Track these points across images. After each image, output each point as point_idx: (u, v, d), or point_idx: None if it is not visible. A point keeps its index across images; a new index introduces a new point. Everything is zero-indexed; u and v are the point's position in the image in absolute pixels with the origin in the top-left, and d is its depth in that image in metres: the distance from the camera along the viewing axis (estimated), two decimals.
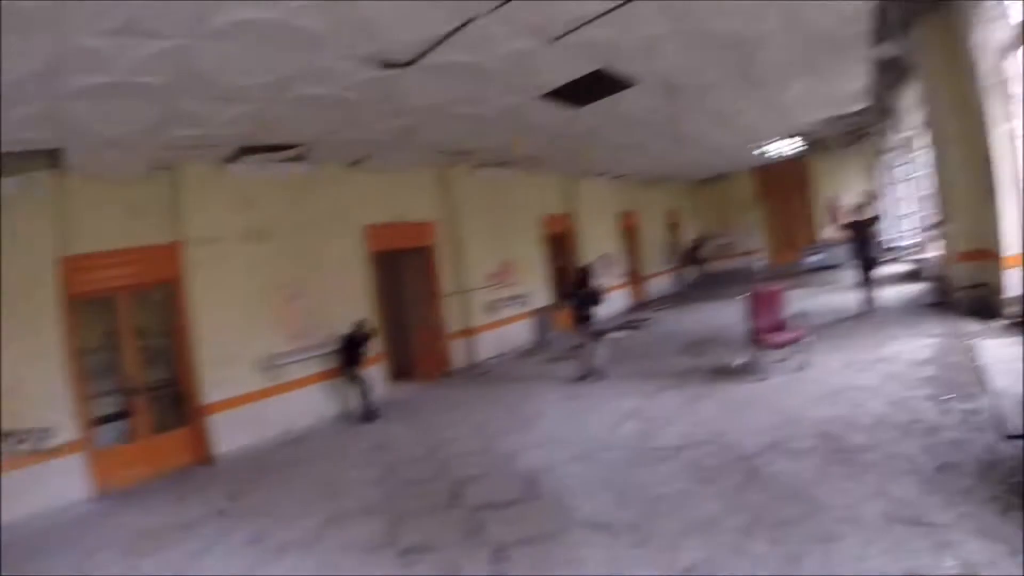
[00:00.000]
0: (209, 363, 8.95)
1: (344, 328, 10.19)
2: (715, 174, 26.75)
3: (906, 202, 19.14)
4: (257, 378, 9.46)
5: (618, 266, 20.18)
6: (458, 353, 13.38)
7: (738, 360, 9.36)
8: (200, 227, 9.09)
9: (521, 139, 11.81)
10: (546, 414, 8.74)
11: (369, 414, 9.97)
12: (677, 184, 27.14)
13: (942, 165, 9.86)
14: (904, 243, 19.22)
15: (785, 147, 21.28)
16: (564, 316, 17.20)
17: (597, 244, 18.99)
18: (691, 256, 26.16)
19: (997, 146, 8.29)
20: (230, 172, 9.47)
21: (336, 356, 10.24)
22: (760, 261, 26.69)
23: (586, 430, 7.65)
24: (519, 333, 14.79)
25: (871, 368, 7.91)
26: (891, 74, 12.59)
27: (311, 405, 10.09)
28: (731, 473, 5.49)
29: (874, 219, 14.15)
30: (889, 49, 10.74)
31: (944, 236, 10.46)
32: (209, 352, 8.96)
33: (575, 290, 10.96)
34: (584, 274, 11.08)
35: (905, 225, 19.50)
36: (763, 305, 9.12)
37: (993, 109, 8.23)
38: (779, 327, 8.93)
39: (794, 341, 8.53)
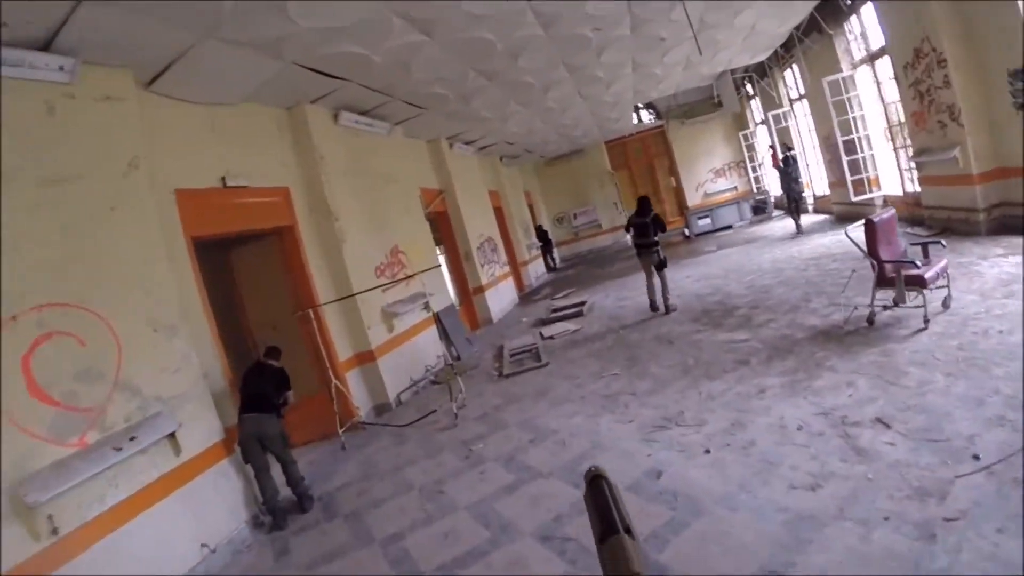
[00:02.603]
0: None
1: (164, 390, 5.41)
2: (567, 151, 24.77)
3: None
4: None
5: (498, 251, 16.69)
6: (357, 388, 8.94)
7: (847, 313, 7.24)
8: None
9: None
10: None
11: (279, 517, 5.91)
12: (528, 162, 24.63)
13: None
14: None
15: (640, 118, 22.04)
16: (470, 312, 13.69)
17: (476, 225, 15.42)
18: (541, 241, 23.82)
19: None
20: None
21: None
22: (625, 236, 24.45)
23: None
24: (428, 347, 10.66)
25: None
26: None
27: None
28: None
29: (794, 157, 15.83)
30: None
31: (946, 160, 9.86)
32: None
33: (636, 217, 10.37)
34: (646, 201, 10.55)
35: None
36: (883, 237, 6.66)
37: None
38: (904, 260, 6.51)
39: (943, 274, 6.39)
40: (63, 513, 4.35)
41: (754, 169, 23.03)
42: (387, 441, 7.74)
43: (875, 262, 6.53)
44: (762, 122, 20.83)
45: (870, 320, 6.68)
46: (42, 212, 4.87)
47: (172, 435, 5.30)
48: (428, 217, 12.76)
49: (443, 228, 14.38)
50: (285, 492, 6.15)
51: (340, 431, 7.94)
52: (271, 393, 6.26)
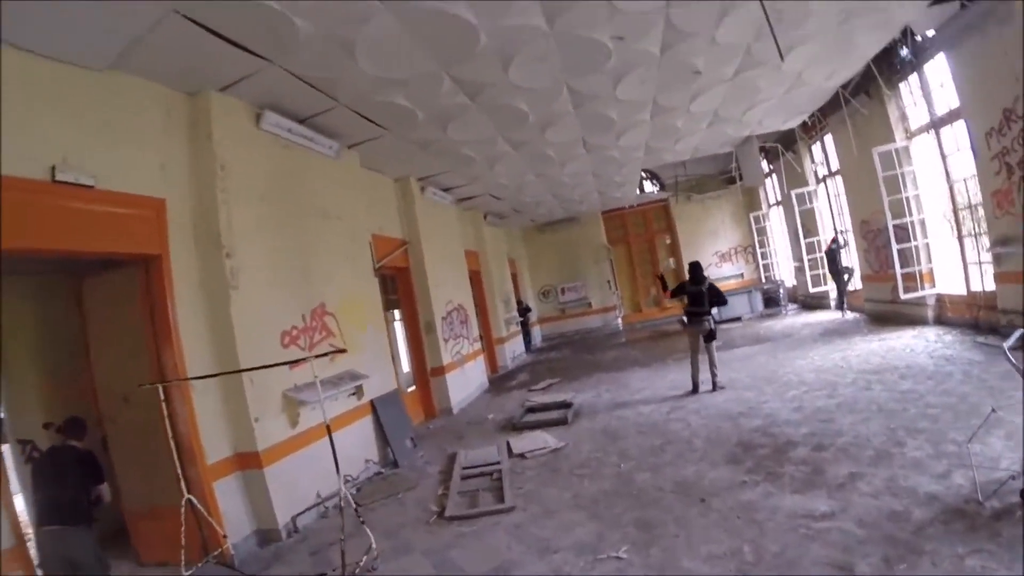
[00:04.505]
0: None
1: None
2: (560, 217, 22.44)
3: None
4: None
5: (469, 324, 13.92)
6: (230, 505, 6.05)
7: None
8: None
9: None
10: None
11: None
12: (515, 225, 22.22)
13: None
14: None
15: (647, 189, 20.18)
16: (425, 398, 10.72)
17: (445, 290, 12.68)
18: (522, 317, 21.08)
19: None
20: None
21: None
22: (618, 319, 22.61)
23: None
24: (356, 446, 7.72)
25: None
26: None
27: None
28: None
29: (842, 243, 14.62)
30: None
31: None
32: None
33: (691, 285, 9.81)
34: (699, 268, 9.96)
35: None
36: None
37: None
38: None
39: None
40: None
41: (764, 255, 20.93)
42: None
43: None
44: (778, 203, 19.02)
45: None
46: None
47: None
48: (381, 273, 9.83)
49: (402, 289, 11.57)
50: None
51: (184, 572, 5.17)
52: (77, 493, 4.46)
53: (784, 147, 16.38)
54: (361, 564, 5.10)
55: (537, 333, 21.67)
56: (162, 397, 5.43)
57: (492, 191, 14.94)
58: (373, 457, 8.23)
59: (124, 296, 6.09)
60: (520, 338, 20.00)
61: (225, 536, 5.73)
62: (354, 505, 5.33)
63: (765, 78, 9.92)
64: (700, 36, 7.60)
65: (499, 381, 15.15)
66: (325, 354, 5.98)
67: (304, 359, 5.49)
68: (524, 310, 20.72)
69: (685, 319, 9.83)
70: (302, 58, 6.13)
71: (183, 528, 5.22)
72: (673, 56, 8.03)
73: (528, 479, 6.90)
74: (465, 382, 12.75)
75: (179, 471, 5.45)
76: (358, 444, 7.87)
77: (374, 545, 5.32)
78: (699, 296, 9.64)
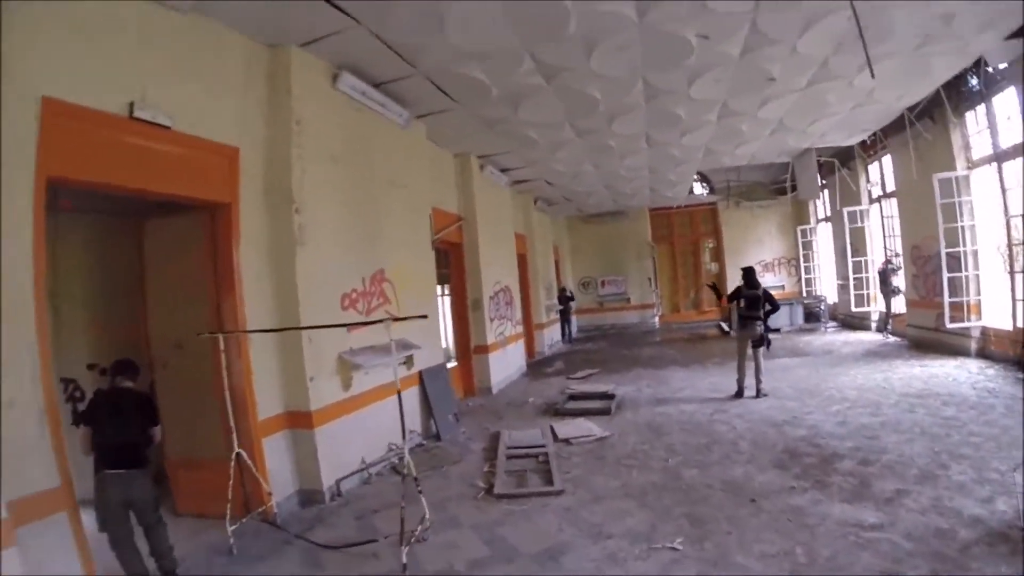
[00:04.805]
0: None
1: None
2: (607, 210, 22.19)
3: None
4: None
5: (514, 307, 13.98)
6: (277, 463, 6.08)
7: None
8: None
9: None
10: None
11: None
12: (562, 214, 22.08)
13: None
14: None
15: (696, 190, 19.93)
16: (466, 376, 10.67)
17: (495, 270, 12.65)
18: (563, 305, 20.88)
19: None
20: None
21: None
22: (656, 317, 22.54)
23: None
24: (394, 418, 7.64)
25: None
26: None
27: None
28: None
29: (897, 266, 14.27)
30: None
31: None
32: None
33: (747, 289, 9.76)
34: (753, 272, 9.99)
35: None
36: None
37: None
38: None
39: None
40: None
41: (808, 270, 20.67)
42: (294, 562, 5.05)
43: None
44: (827, 219, 18.71)
45: None
46: None
47: None
48: (435, 246, 9.76)
49: (453, 265, 11.56)
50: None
51: (230, 527, 5.18)
52: (139, 436, 4.46)
53: (841, 163, 16.09)
54: (415, 533, 5.03)
55: (574, 323, 21.49)
56: (221, 347, 5.44)
57: (548, 176, 14.89)
58: (417, 428, 8.21)
59: (187, 242, 6.09)
60: (558, 326, 19.94)
61: (270, 494, 5.75)
62: (414, 474, 5.20)
63: (836, 92, 9.83)
64: (782, 43, 7.54)
65: (536, 366, 15.16)
66: (405, 318, 5.85)
67: (374, 321, 5.44)
68: (566, 298, 20.61)
69: (725, 324, 10.10)
70: (390, 21, 6.13)
71: (231, 482, 5.23)
72: (751, 60, 7.97)
73: (574, 465, 6.90)
74: (506, 363, 12.78)
75: (231, 424, 5.46)
76: (408, 409, 7.84)
77: (428, 515, 5.27)
78: (755, 300, 9.60)
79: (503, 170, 13.30)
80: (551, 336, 18.57)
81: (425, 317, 6.60)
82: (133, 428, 4.42)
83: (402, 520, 4.83)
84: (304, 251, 6.27)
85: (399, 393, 5.32)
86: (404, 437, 5.36)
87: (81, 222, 6.78)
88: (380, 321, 5.57)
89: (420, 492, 5.29)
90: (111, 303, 7.11)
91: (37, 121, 4.01)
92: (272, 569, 4.88)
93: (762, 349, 9.56)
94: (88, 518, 4.19)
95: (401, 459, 6.47)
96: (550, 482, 6.30)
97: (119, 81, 4.71)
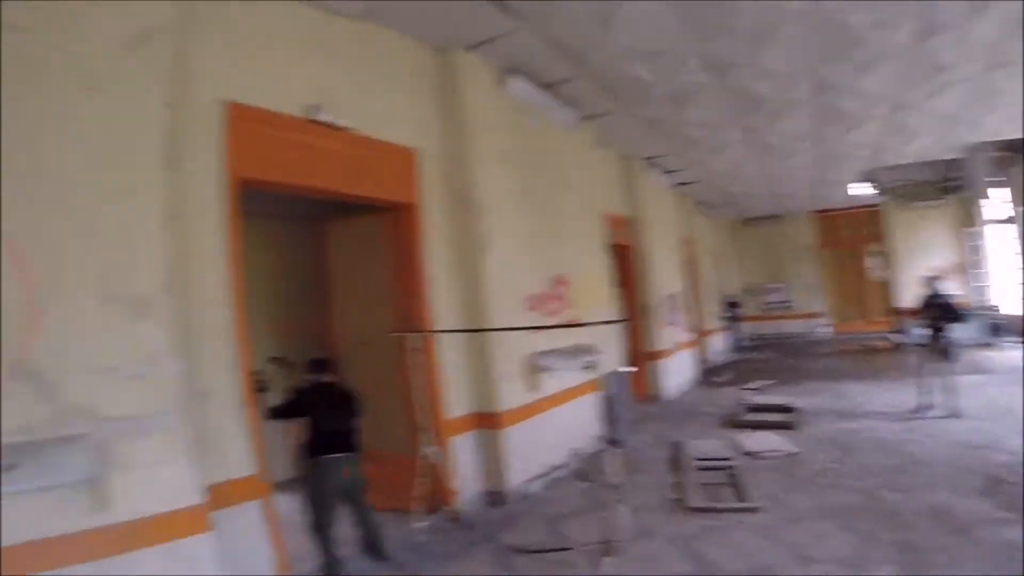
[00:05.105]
0: None
1: None
2: (766, 213, 21.19)
3: None
4: None
5: (683, 313, 13.53)
6: (464, 463, 6.08)
7: None
8: None
9: None
10: None
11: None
12: (721, 219, 21.35)
13: None
14: None
15: (860, 191, 17.71)
16: (638, 383, 10.45)
17: (663, 274, 12.23)
18: (730, 313, 20.03)
19: None
20: None
21: None
22: (823, 327, 21.27)
23: None
24: (579, 423, 7.53)
25: None
26: None
27: None
28: None
29: None
30: None
31: None
32: None
33: (930, 299, 9.13)
34: (938, 282, 9.40)
35: None
36: None
37: None
38: None
39: None
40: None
41: (980, 277, 18.51)
42: (484, 563, 4.96)
43: None
44: (1009, 220, 16.29)
45: None
46: None
47: None
48: (614, 249, 9.64)
49: (623, 268, 11.21)
50: None
51: (418, 524, 5.38)
52: (351, 424, 4.72)
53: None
54: (611, 543, 4.84)
55: (742, 330, 20.60)
56: (413, 346, 5.50)
57: (709, 178, 14.34)
58: (596, 433, 8.04)
59: (370, 242, 6.24)
60: (724, 334, 19.15)
61: (457, 493, 5.74)
62: (619, 481, 5.00)
63: (1011, 80, 8.66)
64: (954, 30, 6.76)
65: (706, 375, 14.55)
66: (608, 322, 5.77)
67: (570, 325, 5.34)
68: (732, 305, 19.80)
69: (898, 336, 9.29)
70: (556, 23, 6.01)
71: (420, 479, 5.32)
72: (924, 49, 7.19)
73: (764, 481, 6.41)
74: (676, 370, 12.35)
75: (422, 422, 5.51)
76: (584, 419, 7.70)
77: (626, 524, 5.05)
78: (940, 310, 8.99)
79: (666, 172, 12.94)
80: (719, 344, 17.90)
81: (625, 321, 6.47)
82: (346, 417, 4.64)
83: (605, 529, 4.65)
84: (492, 252, 6.24)
85: (591, 394, 5.19)
86: (607, 441, 5.16)
87: (263, 226, 7.12)
88: (581, 324, 5.50)
89: (619, 501, 5.09)
90: (291, 302, 7.48)
91: (222, 125, 4.19)
92: (463, 569, 4.82)
93: (948, 364, 8.77)
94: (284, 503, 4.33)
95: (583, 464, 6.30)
96: (743, 497, 5.89)
97: (298, 85, 4.87)
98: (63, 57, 3.24)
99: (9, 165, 3.00)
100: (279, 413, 4.70)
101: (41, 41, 3.17)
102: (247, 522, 3.99)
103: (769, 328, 21.98)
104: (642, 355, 11.35)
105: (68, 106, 3.24)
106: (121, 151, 3.41)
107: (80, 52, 3.29)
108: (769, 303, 22.28)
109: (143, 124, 3.51)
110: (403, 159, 5.92)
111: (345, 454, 4.51)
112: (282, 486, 4.89)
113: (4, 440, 2.88)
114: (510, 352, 6.37)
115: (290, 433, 6.50)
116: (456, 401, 6.06)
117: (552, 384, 6.98)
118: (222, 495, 3.75)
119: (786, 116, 9.52)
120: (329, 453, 4.45)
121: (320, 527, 4.47)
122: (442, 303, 6.03)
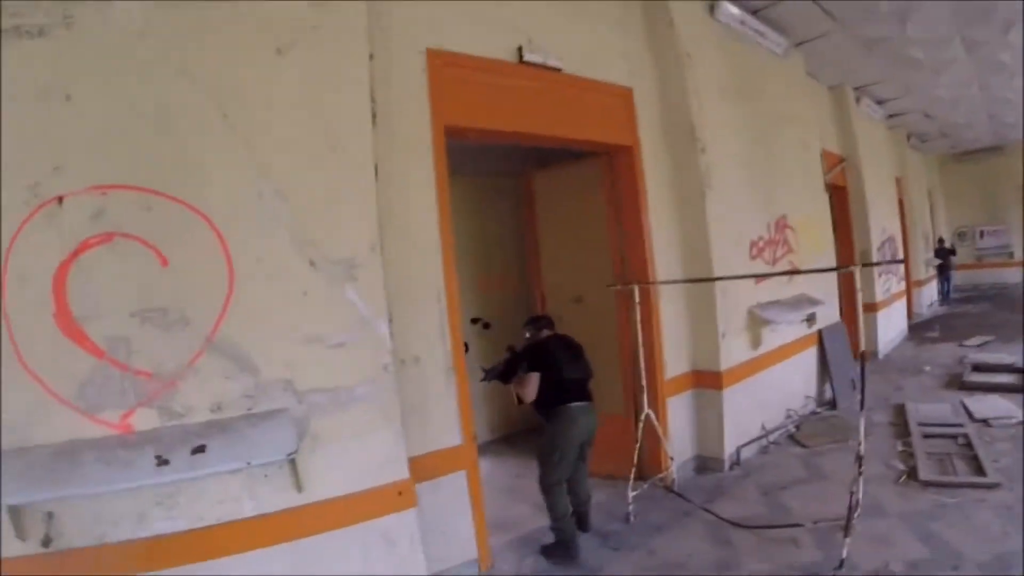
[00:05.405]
0: None
1: None
2: (984, 145, 18.63)
3: None
4: None
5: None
6: (678, 426, 5.71)
7: None
8: None
9: None
10: None
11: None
12: (933, 152, 19.13)
13: None
14: None
15: None
16: (851, 337, 9.64)
17: (879, 217, 11.10)
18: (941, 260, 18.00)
19: None
20: None
21: None
22: None
23: None
24: (795, 381, 6.99)
25: None
26: None
27: None
28: None
29: None
30: None
31: None
32: None
33: None
34: None
35: None
36: None
37: None
38: None
39: None
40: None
41: None
42: (697, 536, 4.60)
43: None
44: None
45: None
46: None
47: None
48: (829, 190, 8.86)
49: (838, 211, 10.25)
50: None
51: (631, 492, 4.93)
52: (589, 374, 4.66)
53: None
54: (850, 521, 4.26)
55: (952, 280, 18.63)
56: (637, 300, 5.11)
57: (926, 107, 12.83)
58: (811, 393, 7.36)
59: (582, 191, 5.89)
60: (935, 284, 17.39)
61: (671, 459, 5.39)
62: (860, 454, 4.33)
63: None
64: None
65: (917, 329, 13.25)
66: (835, 268, 5.18)
67: (784, 272, 4.76)
68: (946, 251, 17.93)
69: None
70: None
71: (637, 444, 5.02)
72: None
73: (1001, 452, 5.59)
74: (889, 324, 11.33)
75: (641, 383, 5.16)
76: (800, 377, 7.10)
77: (860, 499, 4.43)
78: None
79: (879, 102, 11.67)
80: (929, 295, 16.28)
81: (901, 262, 5.81)
82: (586, 367, 4.58)
83: (850, 507, 4.05)
84: (712, 194, 5.70)
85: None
86: (862, 405, 4.45)
87: (462, 184, 7.03)
88: (805, 272, 4.92)
89: (861, 475, 4.47)
90: (492, 260, 7.38)
91: (425, 73, 3.98)
92: (673, 541, 4.48)
93: None
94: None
95: (798, 428, 5.67)
96: (980, 471, 5.15)
97: (501, 27, 4.55)
98: (252, 22, 3.13)
99: (210, 139, 3.00)
100: (497, 375, 4.60)
101: (228, 9, 3.08)
102: (451, 494, 3.91)
103: (984, 277, 19.88)
104: (855, 307, 10.37)
105: (262, 70, 3.15)
106: (322, 110, 3.28)
107: (268, 15, 3.17)
108: (984, 248, 19.97)
109: (343, 80, 3.37)
110: (619, 98, 5.46)
111: (588, 403, 4.46)
112: (481, 449, 4.73)
113: (194, 420, 2.85)
114: (735, 304, 5.87)
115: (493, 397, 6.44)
116: (673, 359, 5.67)
117: (773, 339, 6.41)
118: (427, 467, 3.69)
119: (1019, 26, 8.14)
120: (576, 401, 4.38)
121: (557, 484, 4.34)
122: (661, 252, 5.63)
